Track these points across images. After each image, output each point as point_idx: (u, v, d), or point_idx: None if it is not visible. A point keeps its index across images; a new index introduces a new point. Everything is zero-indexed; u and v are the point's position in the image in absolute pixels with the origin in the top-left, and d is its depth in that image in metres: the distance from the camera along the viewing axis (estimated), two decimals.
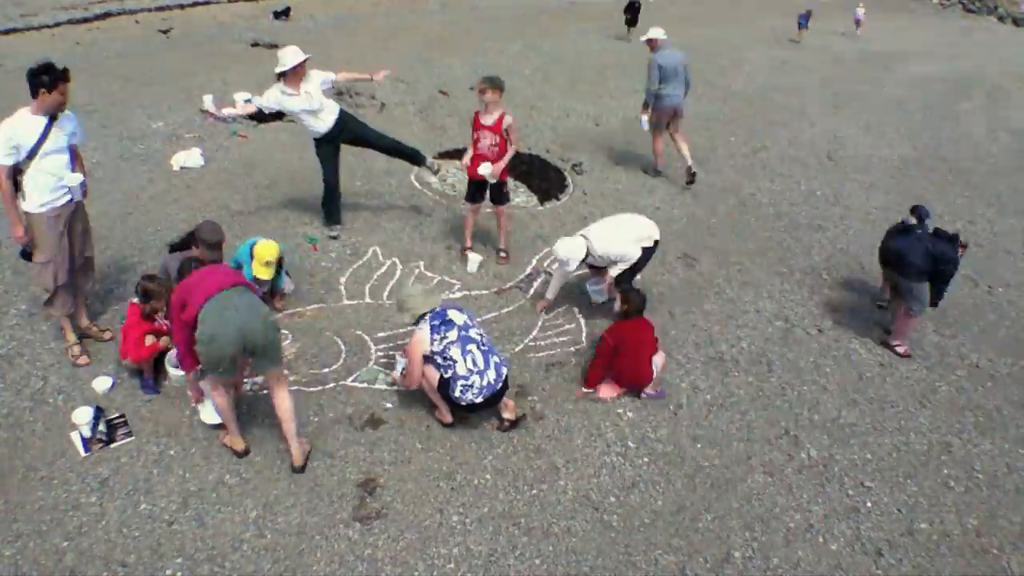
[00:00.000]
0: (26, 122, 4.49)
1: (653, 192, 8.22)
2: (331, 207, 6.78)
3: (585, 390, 5.06)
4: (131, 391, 4.85)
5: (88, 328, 5.22)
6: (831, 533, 4.18)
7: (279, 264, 5.50)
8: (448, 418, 4.65)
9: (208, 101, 9.31)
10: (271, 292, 5.68)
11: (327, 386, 4.99)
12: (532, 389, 5.07)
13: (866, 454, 4.76)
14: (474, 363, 4.39)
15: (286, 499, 4.16)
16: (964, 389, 5.44)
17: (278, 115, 9.52)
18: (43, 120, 4.51)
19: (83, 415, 4.41)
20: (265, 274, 5.31)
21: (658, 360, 5.00)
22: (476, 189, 6.38)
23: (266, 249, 5.28)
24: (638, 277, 5.82)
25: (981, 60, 14.46)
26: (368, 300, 5.97)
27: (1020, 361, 5.81)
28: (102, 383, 4.84)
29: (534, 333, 5.69)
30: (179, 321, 3.94)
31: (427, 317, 4.46)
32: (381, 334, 5.50)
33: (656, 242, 5.71)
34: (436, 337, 4.39)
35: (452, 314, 4.48)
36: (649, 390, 5.06)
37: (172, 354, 4.78)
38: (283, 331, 5.50)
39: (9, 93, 10.11)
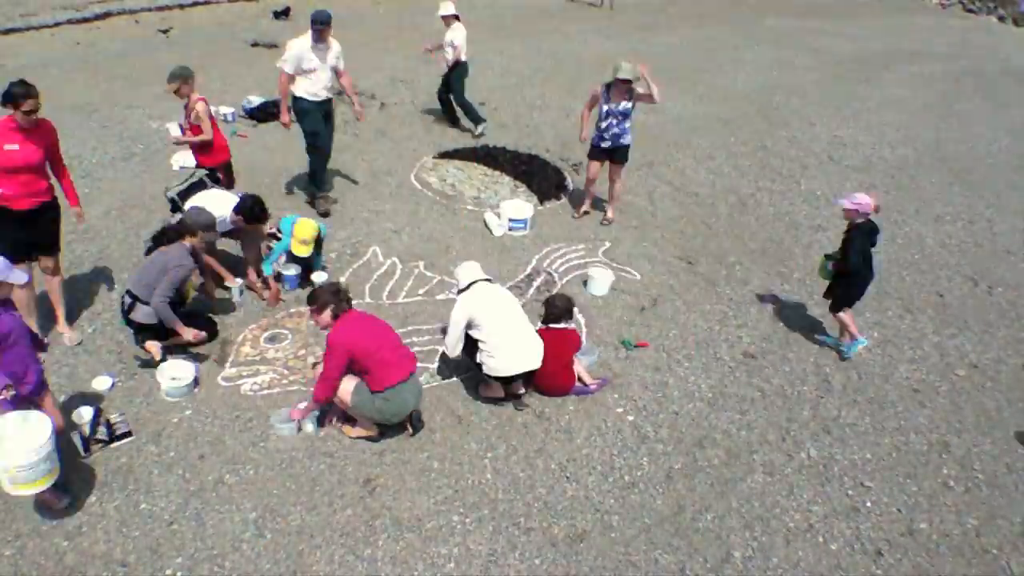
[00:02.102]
0: None
1: (653, 191, 8.21)
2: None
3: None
4: (131, 391, 4.86)
5: None
6: (831, 533, 4.18)
7: (318, 244, 5.95)
8: None
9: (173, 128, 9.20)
10: (309, 268, 6.02)
11: None
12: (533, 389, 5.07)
13: (866, 454, 4.76)
14: None
15: (286, 499, 4.16)
16: (964, 389, 5.44)
17: (278, 115, 9.55)
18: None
19: (83, 415, 4.41)
20: (303, 251, 5.79)
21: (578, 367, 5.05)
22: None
23: (304, 228, 5.82)
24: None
25: (981, 60, 14.44)
26: (368, 300, 5.97)
27: (1020, 361, 5.81)
28: (102, 383, 4.84)
29: None
30: (342, 364, 4.31)
31: None
32: None
33: None
34: None
35: None
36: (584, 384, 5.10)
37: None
38: (283, 331, 5.51)
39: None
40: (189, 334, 4.85)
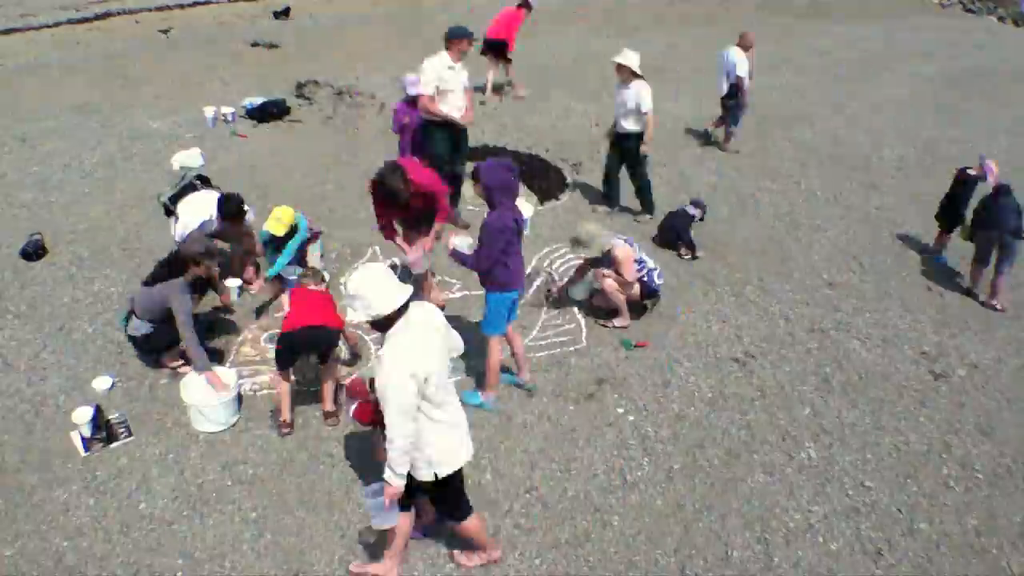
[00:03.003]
0: None
1: (653, 191, 8.20)
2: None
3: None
4: (131, 391, 4.86)
5: None
6: (831, 533, 4.18)
7: (293, 232, 5.78)
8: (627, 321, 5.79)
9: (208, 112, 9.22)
10: (301, 262, 5.92)
11: None
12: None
13: (866, 454, 4.76)
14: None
15: (286, 499, 4.16)
16: (964, 389, 5.44)
17: (278, 115, 9.56)
18: None
19: (83, 415, 4.41)
20: (277, 229, 5.69)
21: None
22: None
23: (282, 209, 5.76)
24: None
25: (981, 60, 14.44)
26: None
27: (1020, 361, 5.81)
28: (102, 383, 4.85)
29: (534, 333, 5.69)
30: None
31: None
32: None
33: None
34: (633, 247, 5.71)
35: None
36: None
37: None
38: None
39: (9, 92, 10.13)
40: (209, 376, 4.64)
